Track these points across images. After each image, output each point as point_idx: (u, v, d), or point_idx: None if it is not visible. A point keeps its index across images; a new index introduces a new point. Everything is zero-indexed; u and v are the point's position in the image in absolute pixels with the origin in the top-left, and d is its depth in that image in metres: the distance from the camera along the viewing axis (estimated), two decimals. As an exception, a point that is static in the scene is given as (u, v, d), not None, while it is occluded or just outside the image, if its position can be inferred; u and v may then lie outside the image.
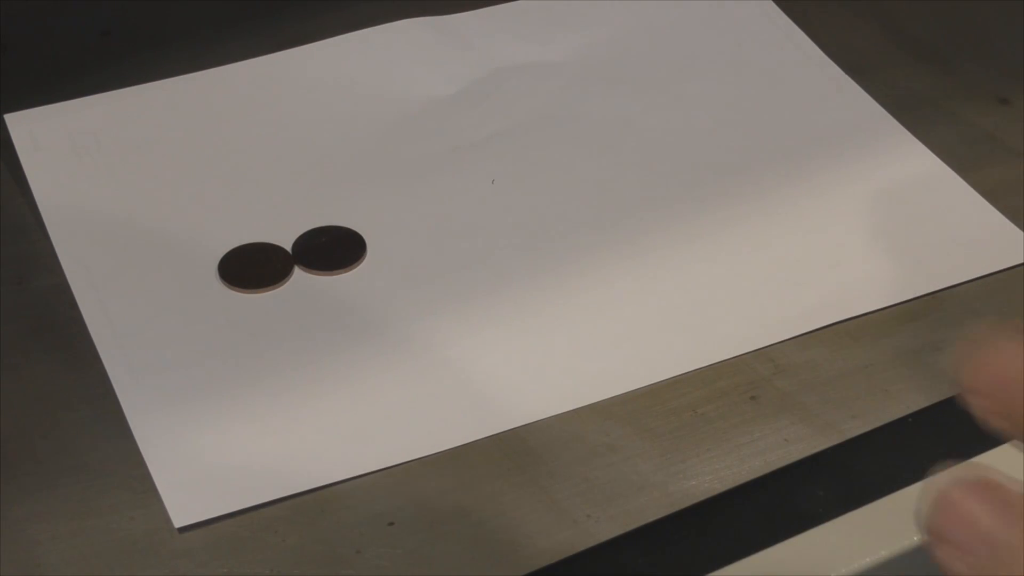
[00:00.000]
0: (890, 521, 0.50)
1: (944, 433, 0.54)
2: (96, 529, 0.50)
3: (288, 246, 0.61)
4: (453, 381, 0.56)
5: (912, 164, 0.67)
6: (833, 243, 0.62)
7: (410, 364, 0.56)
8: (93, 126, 0.67)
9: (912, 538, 0.50)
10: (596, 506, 0.51)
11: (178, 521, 0.50)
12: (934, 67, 0.73)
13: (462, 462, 0.53)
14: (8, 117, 0.67)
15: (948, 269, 0.61)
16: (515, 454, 0.53)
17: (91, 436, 0.53)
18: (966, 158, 0.67)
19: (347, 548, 0.50)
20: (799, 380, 0.56)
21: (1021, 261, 0.62)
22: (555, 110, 0.69)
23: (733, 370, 0.57)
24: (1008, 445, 0.53)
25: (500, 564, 0.49)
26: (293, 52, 0.71)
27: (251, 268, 0.60)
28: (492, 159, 0.66)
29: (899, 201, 0.65)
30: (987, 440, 0.54)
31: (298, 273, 0.60)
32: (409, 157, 0.66)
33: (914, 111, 0.70)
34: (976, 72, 0.72)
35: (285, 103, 0.69)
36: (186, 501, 0.51)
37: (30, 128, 0.66)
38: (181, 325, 0.57)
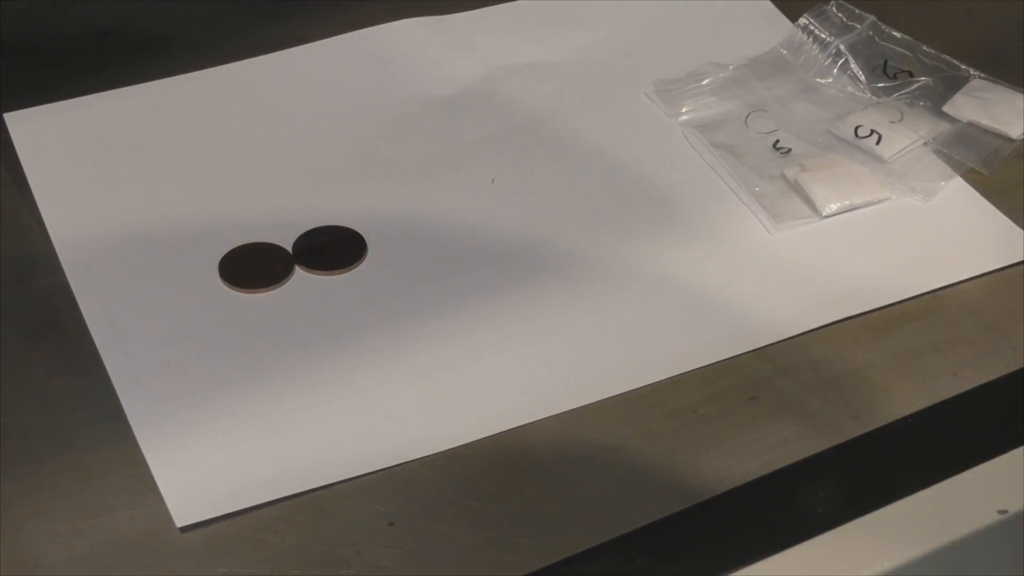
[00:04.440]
0: (892, 529, 0.50)
1: (944, 433, 0.54)
2: (96, 529, 0.50)
3: (288, 246, 0.61)
4: (453, 381, 0.56)
5: (912, 164, 0.67)
6: (833, 243, 0.62)
7: (410, 364, 0.56)
8: (93, 126, 0.67)
9: (917, 549, 0.50)
10: (596, 506, 0.51)
11: (180, 520, 0.50)
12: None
13: (462, 462, 0.53)
14: (8, 117, 0.67)
15: (948, 268, 0.61)
16: (515, 454, 0.53)
17: (91, 436, 0.53)
18: (966, 158, 0.67)
19: (347, 548, 0.50)
20: (799, 380, 0.56)
21: (1021, 260, 0.62)
22: (555, 110, 0.69)
23: (733, 370, 0.57)
24: (1008, 455, 0.53)
25: (500, 564, 0.49)
26: (293, 52, 0.71)
27: (251, 268, 0.60)
28: (492, 159, 0.66)
29: (899, 201, 0.65)
30: (986, 440, 0.54)
31: (298, 273, 0.60)
32: (409, 157, 0.66)
33: (914, 111, 0.70)
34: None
35: (285, 103, 0.69)
36: (188, 501, 0.51)
37: (30, 128, 0.66)
38: (181, 325, 0.57)
